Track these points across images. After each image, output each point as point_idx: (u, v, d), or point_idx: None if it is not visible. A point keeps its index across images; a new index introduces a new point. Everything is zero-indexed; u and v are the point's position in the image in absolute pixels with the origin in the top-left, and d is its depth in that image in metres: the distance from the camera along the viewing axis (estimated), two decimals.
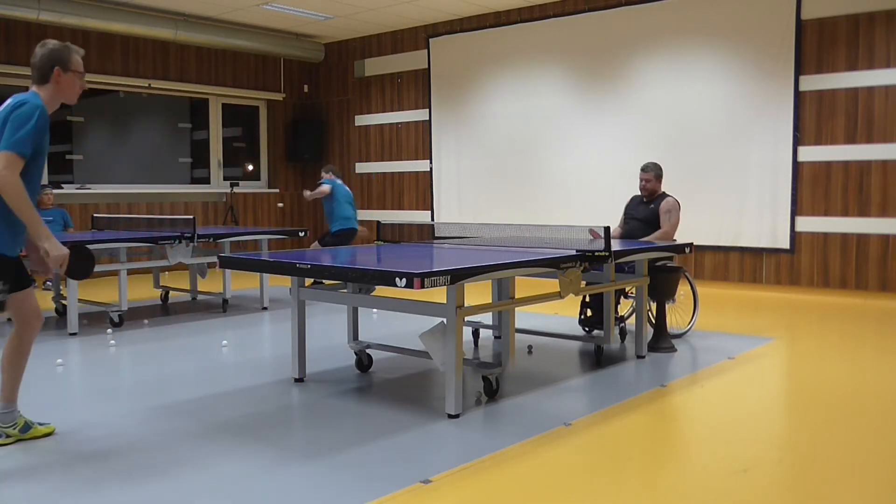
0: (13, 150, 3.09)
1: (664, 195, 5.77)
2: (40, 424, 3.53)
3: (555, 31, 9.48)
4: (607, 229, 4.38)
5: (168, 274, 9.71)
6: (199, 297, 7.66)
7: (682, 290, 5.83)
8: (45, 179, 9.38)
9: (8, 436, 3.42)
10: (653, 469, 3.14)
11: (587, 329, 5.60)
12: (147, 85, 10.17)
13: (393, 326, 6.16)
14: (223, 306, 7.11)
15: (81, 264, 3.47)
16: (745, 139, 8.19)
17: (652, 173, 5.75)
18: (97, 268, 6.91)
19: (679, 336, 5.67)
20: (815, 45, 7.84)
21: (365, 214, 10.87)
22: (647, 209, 5.76)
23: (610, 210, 6.18)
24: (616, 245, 4.89)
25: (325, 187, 8.45)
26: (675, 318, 5.83)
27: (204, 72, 10.83)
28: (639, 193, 5.87)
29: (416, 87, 10.89)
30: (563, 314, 6.66)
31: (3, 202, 3.14)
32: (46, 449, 3.37)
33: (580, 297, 5.52)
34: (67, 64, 3.34)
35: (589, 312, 5.59)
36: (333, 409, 3.95)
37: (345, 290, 4.66)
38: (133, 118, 10.92)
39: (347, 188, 8.71)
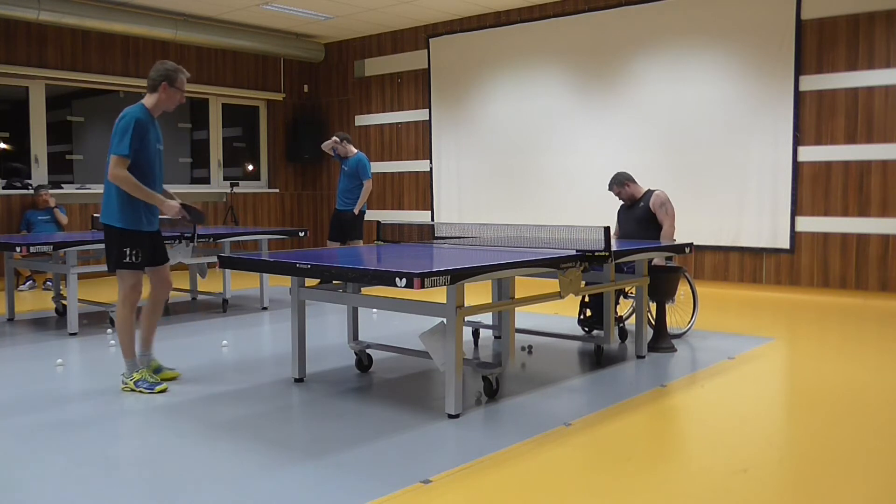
0: (117, 153, 4.07)
1: (649, 192, 5.77)
2: (169, 369, 4.51)
3: (555, 31, 9.48)
4: (607, 229, 4.38)
5: None
6: (199, 297, 7.67)
7: (682, 290, 5.84)
8: (44, 179, 9.39)
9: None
10: (653, 469, 3.14)
11: (586, 329, 5.60)
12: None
13: (393, 326, 6.16)
14: (223, 306, 7.11)
15: (194, 213, 4.39)
16: (745, 139, 8.19)
17: (616, 187, 5.76)
18: (99, 267, 6.96)
19: (679, 336, 5.68)
20: (815, 45, 7.84)
21: (365, 214, 10.85)
22: (637, 209, 5.76)
23: (610, 210, 6.17)
24: (615, 245, 4.89)
25: (368, 184, 7.94)
26: (675, 318, 5.83)
27: (204, 72, 10.83)
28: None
29: (416, 87, 10.89)
30: (563, 314, 6.66)
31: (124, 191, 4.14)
32: (44, 447, 3.37)
33: (580, 297, 5.53)
34: (174, 81, 4.22)
35: (588, 312, 5.60)
36: (333, 409, 3.95)
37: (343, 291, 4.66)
38: None
39: None
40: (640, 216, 5.73)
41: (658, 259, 5.46)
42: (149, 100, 4.24)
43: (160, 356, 4.91)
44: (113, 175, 4.07)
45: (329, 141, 8.13)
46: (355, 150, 8.11)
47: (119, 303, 4.27)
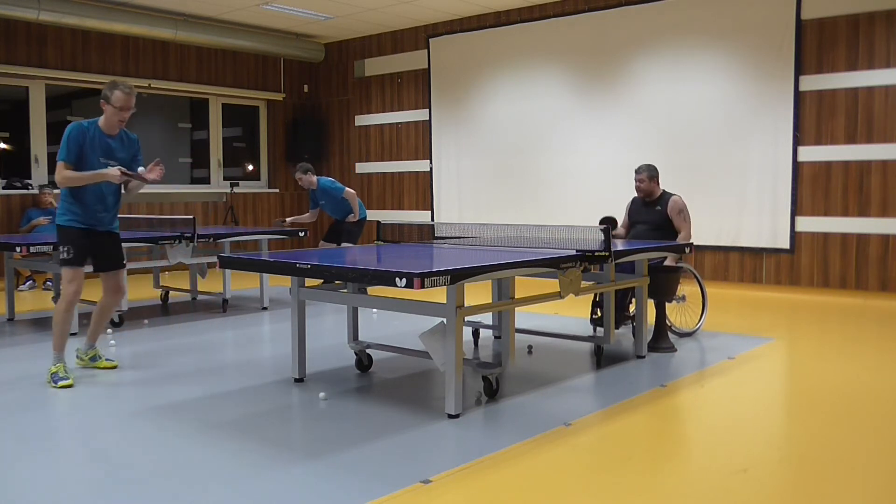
0: (59, 159, 4.36)
1: (667, 195, 5.75)
2: (107, 360, 4.80)
3: (555, 31, 9.48)
4: (607, 229, 4.37)
5: (168, 274, 9.72)
6: (199, 297, 7.66)
7: (691, 289, 5.86)
8: (44, 179, 9.39)
9: (81, 359, 4.77)
10: (653, 469, 3.14)
11: (600, 327, 5.61)
12: (147, 85, 10.16)
13: (393, 326, 6.16)
14: (223, 306, 7.11)
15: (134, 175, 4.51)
16: (745, 139, 8.19)
17: (645, 174, 5.72)
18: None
19: (689, 335, 5.72)
20: (815, 45, 7.84)
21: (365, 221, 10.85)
22: (654, 211, 5.72)
23: (610, 210, 6.17)
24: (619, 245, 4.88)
25: (351, 192, 7.95)
26: (685, 317, 5.84)
27: (204, 72, 10.83)
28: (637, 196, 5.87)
29: (416, 87, 10.89)
30: (564, 314, 6.66)
31: (68, 190, 4.43)
32: (44, 447, 3.37)
33: (590, 297, 5.54)
34: (108, 99, 4.44)
35: (599, 312, 5.59)
36: (333, 409, 3.95)
37: (345, 290, 4.66)
38: (133, 118, 10.80)
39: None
40: (657, 221, 5.68)
41: (671, 259, 5.46)
42: (101, 118, 4.52)
43: (163, 356, 4.92)
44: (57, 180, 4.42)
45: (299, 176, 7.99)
46: (316, 179, 7.94)
47: (60, 299, 4.52)
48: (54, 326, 4.50)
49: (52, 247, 5.85)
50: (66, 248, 4.44)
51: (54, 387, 4.32)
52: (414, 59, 10.84)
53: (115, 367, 4.75)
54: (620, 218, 6.04)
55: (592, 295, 5.54)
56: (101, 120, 4.48)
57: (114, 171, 4.38)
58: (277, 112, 11.81)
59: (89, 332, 4.78)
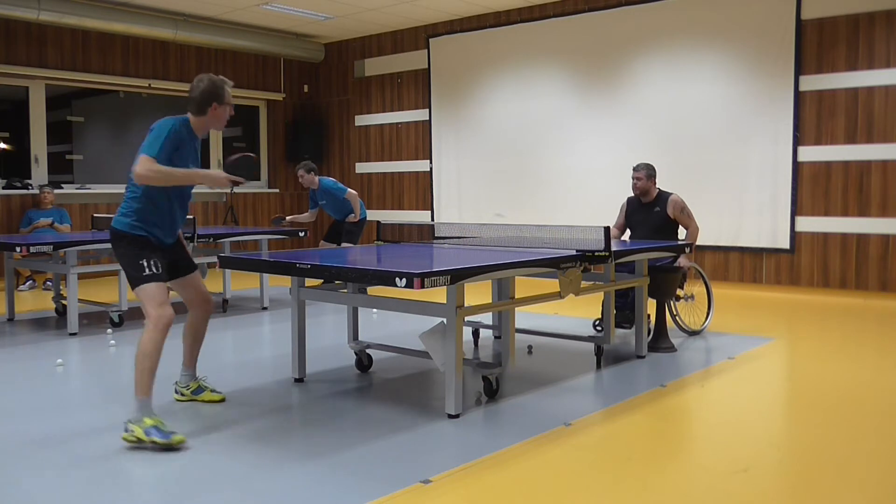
0: (146, 153, 3.53)
1: (664, 194, 5.72)
2: (213, 391, 4.06)
3: (555, 31, 9.48)
4: (607, 229, 4.37)
5: None
6: None
7: (697, 289, 5.87)
8: (44, 179, 9.39)
9: (182, 394, 4.05)
10: (653, 469, 3.14)
11: (599, 329, 5.63)
12: (147, 85, 10.17)
13: (393, 326, 6.16)
14: (223, 306, 7.10)
15: (243, 164, 4.03)
16: (745, 139, 8.19)
17: (644, 172, 5.68)
18: (99, 267, 6.99)
19: (696, 333, 5.75)
20: (815, 45, 7.84)
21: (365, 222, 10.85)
22: (653, 213, 5.67)
23: (610, 210, 6.17)
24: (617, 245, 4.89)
25: (353, 192, 7.91)
26: (692, 317, 5.86)
27: (204, 72, 10.77)
28: (633, 195, 5.84)
29: (416, 87, 10.89)
30: (563, 314, 6.66)
31: (144, 204, 3.68)
32: (44, 447, 3.37)
33: (591, 297, 5.54)
34: (222, 98, 3.83)
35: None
36: (333, 409, 3.95)
37: (345, 290, 4.66)
38: (133, 118, 10.91)
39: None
40: (658, 224, 5.66)
41: (683, 259, 5.47)
42: (194, 120, 3.89)
43: (163, 356, 4.94)
44: (138, 175, 3.50)
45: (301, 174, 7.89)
46: (317, 179, 7.87)
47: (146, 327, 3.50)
48: (140, 363, 3.43)
49: (52, 247, 5.86)
50: (151, 262, 3.52)
51: (159, 442, 3.26)
52: (414, 59, 10.84)
53: (222, 400, 4.02)
54: (615, 217, 6.03)
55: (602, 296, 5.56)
56: (195, 121, 3.87)
57: (220, 174, 3.68)
58: (277, 112, 11.81)
59: (185, 359, 4.02)
